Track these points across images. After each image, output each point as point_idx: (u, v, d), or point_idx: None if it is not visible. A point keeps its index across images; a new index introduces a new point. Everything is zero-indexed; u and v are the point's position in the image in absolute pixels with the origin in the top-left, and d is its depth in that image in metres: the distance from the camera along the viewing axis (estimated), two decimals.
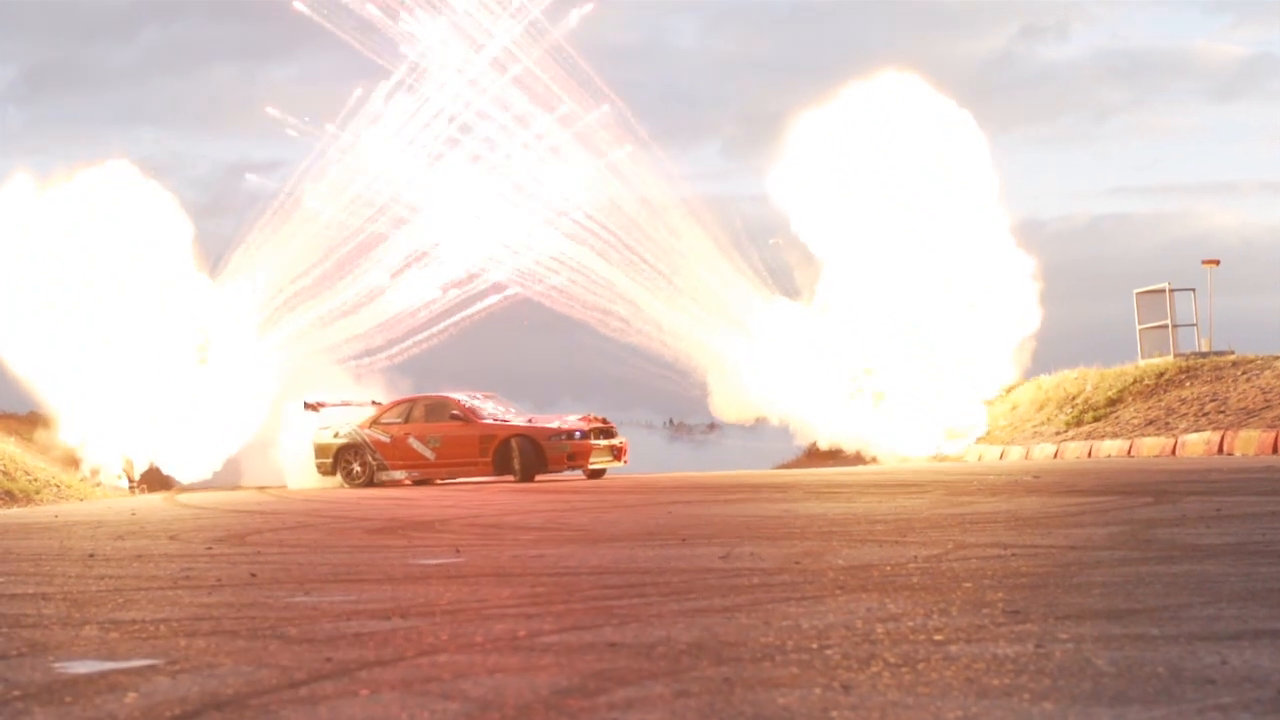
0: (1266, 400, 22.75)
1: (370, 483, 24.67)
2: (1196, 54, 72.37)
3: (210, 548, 10.17)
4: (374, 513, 14.53)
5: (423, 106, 27.30)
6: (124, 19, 79.84)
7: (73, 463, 24.45)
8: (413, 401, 25.79)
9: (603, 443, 24.31)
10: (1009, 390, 28.99)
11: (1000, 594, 5.66)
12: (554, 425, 24.28)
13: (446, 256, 27.86)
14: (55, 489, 21.71)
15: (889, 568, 6.88)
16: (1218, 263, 27.46)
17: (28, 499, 20.41)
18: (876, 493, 14.38)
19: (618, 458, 24.70)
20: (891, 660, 4.24)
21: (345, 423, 25.43)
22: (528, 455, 23.75)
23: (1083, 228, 63.94)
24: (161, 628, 5.62)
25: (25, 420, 26.28)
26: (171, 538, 11.57)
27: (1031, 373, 29.01)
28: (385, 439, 24.86)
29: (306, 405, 25.71)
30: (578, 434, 23.94)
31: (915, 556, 7.35)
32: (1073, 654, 4.25)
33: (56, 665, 4.75)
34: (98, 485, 23.78)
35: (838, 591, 5.99)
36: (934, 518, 10.33)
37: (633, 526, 10.90)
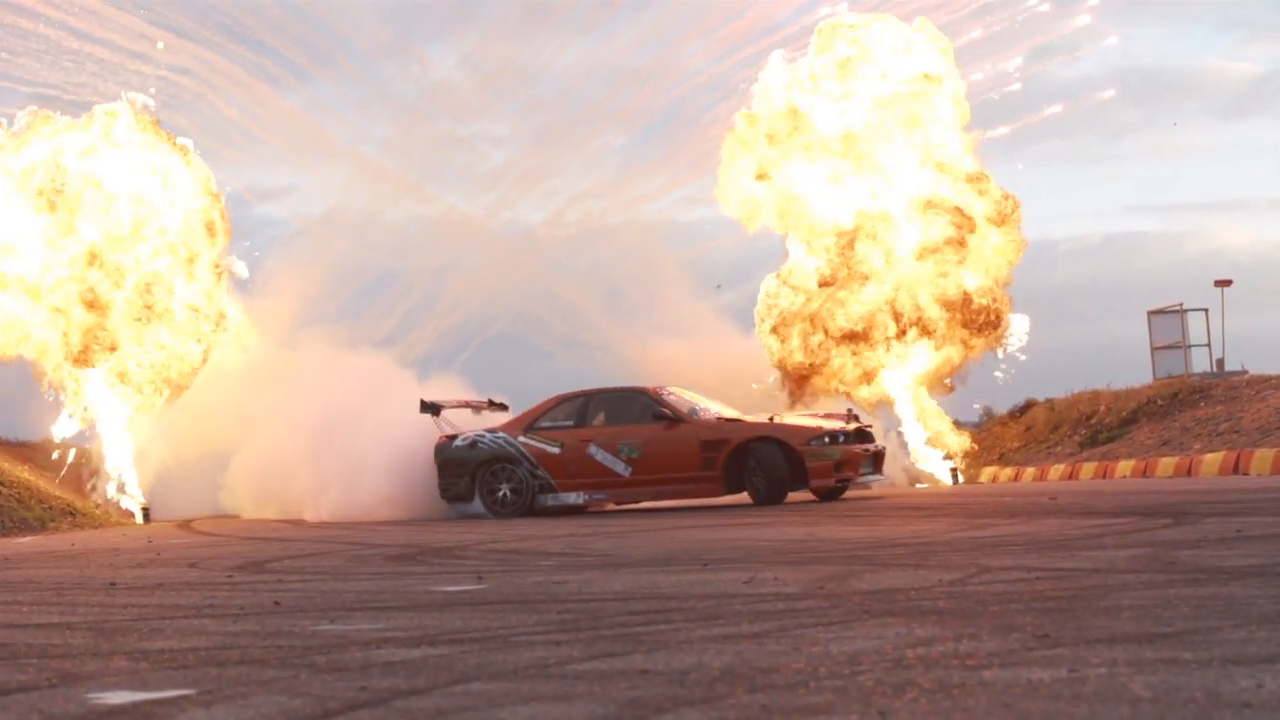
0: None
1: (530, 509, 18.69)
2: (1208, 72, 72.46)
3: (231, 575, 10.18)
4: (389, 539, 14.53)
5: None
6: None
7: (79, 489, 24.40)
8: (586, 396, 19.51)
9: (868, 448, 18.79)
10: (1022, 411, 29.00)
11: (1029, 618, 5.66)
12: (810, 424, 18.57)
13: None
14: (70, 517, 21.73)
15: (914, 591, 6.87)
16: (1230, 283, 27.52)
17: (43, 527, 20.43)
18: (895, 515, 14.37)
19: (877, 468, 19.12)
20: (926, 686, 4.24)
21: (484, 429, 19.51)
22: (776, 466, 17.81)
23: (1095, 247, 64.02)
24: (190, 657, 5.63)
25: (39, 448, 26.30)
26: (191, 565, 11.59)
27: (1044, 393, 29.05)
28: (553, 449, 18.75)
29: (424, 405, 19.60)
30: (842, 436, 18.23)
31: (940, 580, 7.34)
32: (1107, 679, 4.25)
33: (90, 696, 4.76)
34: (128, 516, 23.68)
35: (865, 616, 5.98)
36: (955, 541, 10.33)
37: (653, 551, 10.90)
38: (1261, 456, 20.65)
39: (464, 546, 12.63)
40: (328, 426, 20.96)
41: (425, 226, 29.35)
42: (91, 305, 23.38)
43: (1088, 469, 24.08)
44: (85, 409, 24.46)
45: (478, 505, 18.93)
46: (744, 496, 18.47)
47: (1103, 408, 27.63)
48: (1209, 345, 28.33)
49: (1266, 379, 25.81)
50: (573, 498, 18.75)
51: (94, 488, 24.59)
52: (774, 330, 25.24)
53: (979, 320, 24.64)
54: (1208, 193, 74.10)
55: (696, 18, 28.14)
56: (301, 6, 27.40)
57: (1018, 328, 25.33)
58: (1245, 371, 27.35)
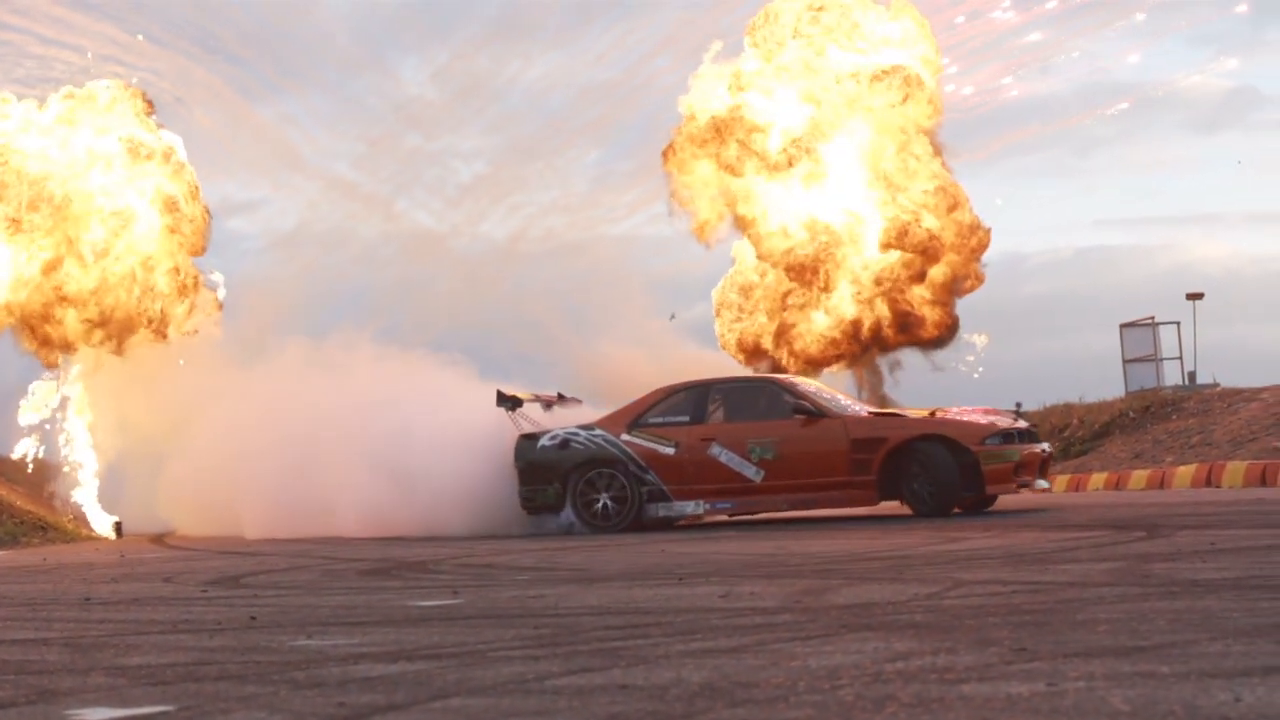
0: (1252, 432, 22.87)
1: (636, 521, 16.07)
2: (1180, 87, 72.86)
3: (205, 590, 10.15)
4: (362, 554, 14.49)
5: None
6: None
7: (47, 503, 24.27)
8: (702, 388, 16.72)
9: (1042, 449, 16.39)
10: None
11: (1005, 631, 5.68)
12: (980, 420, 15.86)
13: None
14: (42, 532, 21.60)
15: (890, 605, 6.89)
16: (1202, 296, 27.71)
17: (14, 541, 20.31)
18: (867, 528, 14.39)
19: (1045, 473, 16.61)
20: (906, 701, 4.26)
21: (576, 426, 16.69)
22: (945, 470, 15.28)
23: (1067, 260, 64.30)
24: (169, 673, 5.61)
25: (6, 462, 26.14)
26: (165, 580, 11.55)
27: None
28: (666, 449, 16.08)
29: (501, 398, 16.75)
30: (1016, 435, 15.79)
31: (916, 594, 7.36)
32: (1085, 692, 4.26)
33: (69, 713, 4.74)
34: (84, 522, 23.58)
35: (842, 630, 6.00)
36: (929, 554, 10.35)
37: (626, 566, 10.91)
38: (1233, 469, 20.75)
39: (437, 561, 12.61)
40: (304, 413, 19.33)
41: (393, 243, 29.31)
42: (48, 307, 23.36)
43: (1060, 481, 24.14)
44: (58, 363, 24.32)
45: (568, 516, 16.25)
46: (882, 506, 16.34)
47: (1075, 420, 27.75)
48: (1181, 358, 28.52)
49: (1238, 392, 25.95)
50: (690, 507, 16.12)
51: (53, 495, 24.47)
52: (739, 345, 25.31)
53: (932, 342, 24.83)
54: (1179, 206, 74.41)
55: (667, 30, 28.25)
56: (274, 21, 27.42)
57: (975, 345, 25.45)
58: (1217, 384, 27.50)
